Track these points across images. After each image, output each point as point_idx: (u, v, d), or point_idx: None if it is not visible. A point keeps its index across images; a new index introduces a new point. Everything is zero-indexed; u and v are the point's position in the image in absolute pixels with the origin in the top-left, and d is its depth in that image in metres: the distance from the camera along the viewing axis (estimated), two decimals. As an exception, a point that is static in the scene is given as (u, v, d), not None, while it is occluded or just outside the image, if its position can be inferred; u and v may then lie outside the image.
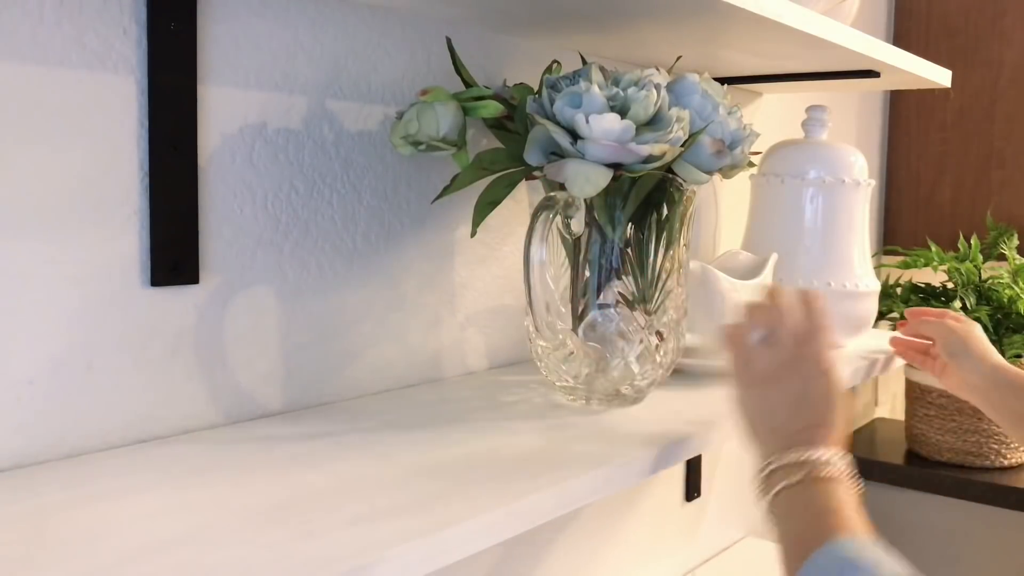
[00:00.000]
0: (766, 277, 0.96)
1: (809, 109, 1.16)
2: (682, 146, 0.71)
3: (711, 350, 0.95)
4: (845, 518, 0.60)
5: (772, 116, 1.38)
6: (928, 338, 1.00)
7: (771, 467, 0.64)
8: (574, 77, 0.72)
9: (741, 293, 0.91)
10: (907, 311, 1.05)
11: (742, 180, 1.17)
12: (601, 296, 0.76)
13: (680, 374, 0.95)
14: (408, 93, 0.82)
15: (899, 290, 1.55)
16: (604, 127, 0.67)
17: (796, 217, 1.12)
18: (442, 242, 0.87)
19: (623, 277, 0.76)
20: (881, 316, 1.43)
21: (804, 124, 1.16)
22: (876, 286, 1.15)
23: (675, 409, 0.79)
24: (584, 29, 0.86)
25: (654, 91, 0.69)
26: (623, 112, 0.68)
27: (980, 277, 1.50)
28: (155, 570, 0.45)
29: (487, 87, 0.79)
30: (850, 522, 0.59)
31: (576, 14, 0.80)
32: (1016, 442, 0.88)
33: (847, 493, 0.62)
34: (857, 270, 1.12)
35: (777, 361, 0.68)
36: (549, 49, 0.94)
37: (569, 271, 0.77)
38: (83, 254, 0.61)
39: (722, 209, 1.29)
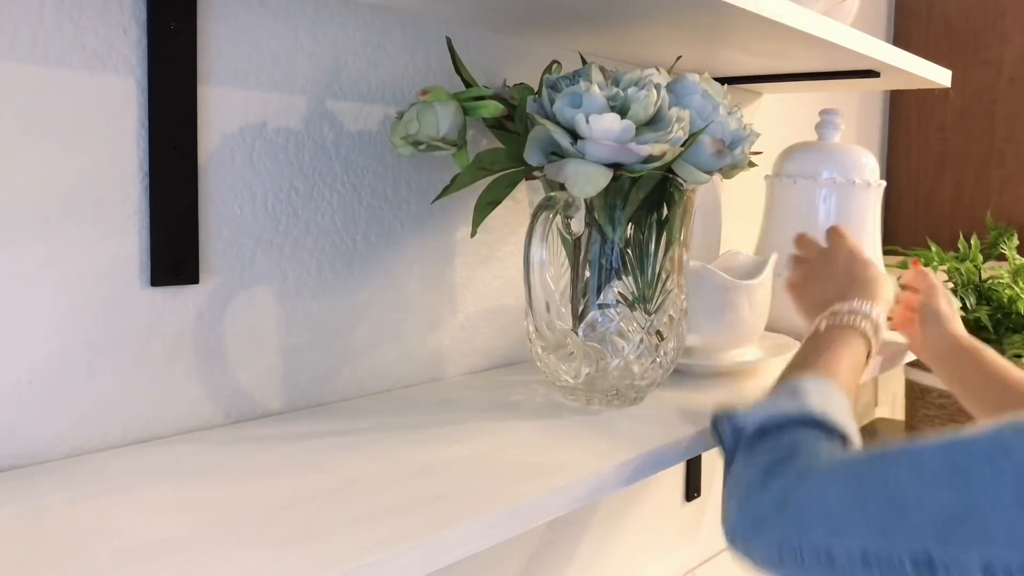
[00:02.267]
0: (766, 277, 0.96)
1: (823, 112, 1.17)
2: (682, 146, 0.71)
3: (711, 350, 0.96)
4: (834, 364, 0.70)
5: (772, 116, 1.38)
6: (918, 290, 1.02)
7: (824, 316, 0.77)
8: (574, 77, 0.72)
9: (739, 293, 0.91)
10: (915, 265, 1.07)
11: (754, 181, 1.18)
12: (601, 296, 0.76)
13: (680, 374, 0.95)
14: (408, 93, 0.82)
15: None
16: (604, 127, 0.67)
17: (810, 217, 1.13)
18: (442, 242, 0.87)
19: (623, 277, 0.76)
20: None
21: (817, 127, 1.18)
22: None
23: (675, 409, 0.79)
24: (584, 29, 0.86)
25: (654, 91, 0.69)
26: (623, 112, 0.68)
27: (980, 277, 1.50)
28: (155, 570, 0.45)
29: (487, 87, 0.79)
30: (834, 368, 0.69)
31: (576, 14, 0.80)
32: (970, 413, 0.90)
33: (855, 345, 0.73)
34: (868, 268, 1.14)
35: (827, 263, 0.86)
36: (549, 49, 0.94)
37: (569, 271, 0.77)
38: (83, 254, 0.61)
39: (728, 210, 1.29)
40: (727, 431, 0.64)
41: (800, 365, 0.71)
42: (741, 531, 0.57)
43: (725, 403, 0.66)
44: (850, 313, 0.76)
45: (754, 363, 0.96)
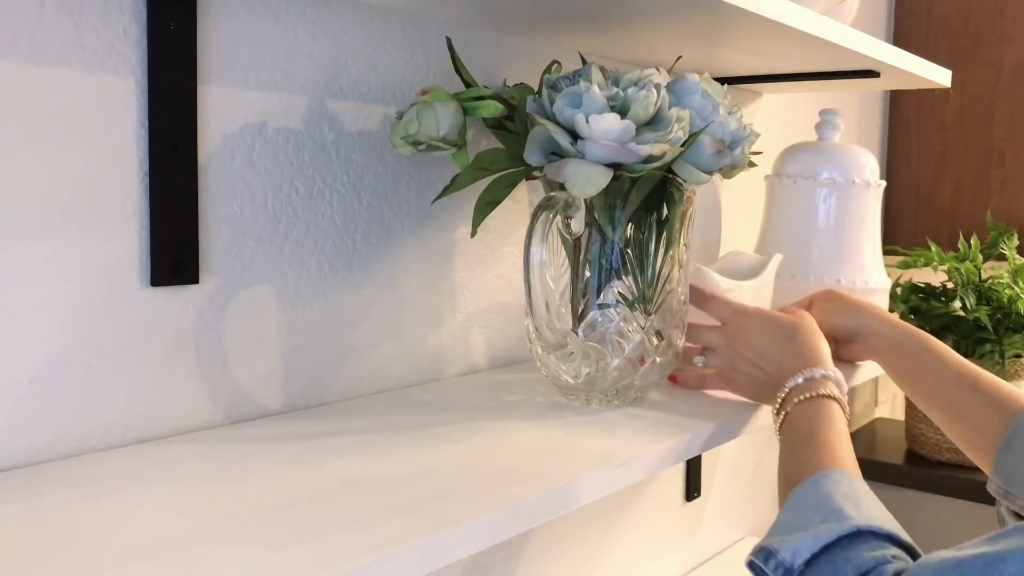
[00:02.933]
0: (767, 276, 0.96)
1: (823, 112, 1.17)
2: (682, 146, 0.71)
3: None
4: (829, 448, 0.66)
5: (772, 116, 1.38)
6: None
7: (781, 396, 0.73)
8: (574, 77, 0.72)
9: (738, 293, 0.91)
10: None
11: (754, 181, 1.18)
12: (601, 296, 0.76)
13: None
14: (408, 93, 0.82)
15: (899, 290, 1.55)
16: (604, 127, 0.67)
17: (810, 217, 1.14)
18: (442, 242, 0.87)
19: (623, 277, 0.76)
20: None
21: (817, 127, 1.18)
22: (886, 284, 1.16)
23: (675, 409, 0.79)
24: (584, 29, 0.86)
25: (654, 91, 0.69)
26: (623, 112, 0.68)
27: (980, 277, 1.50)
28: (155, 570, 0.45)
29: (487, 87, 0.79)
30: (832, 453, 0.65)
31: (576, 14, 0.80)
32: (916, 404, 0.86)
33: (835, 416, 0.70)
34: (868, 268, 1.14)
35: (742, 342, 0.80)
36: (549, 49, 0.94)
37: (569, 271, 0.77)
38: (83, 254, 0.61)
39: (728, 210, 1.29)
40: (775, 572, 0.58)
41: (798, 464, 0.66)
42: None
43: (757, 544, 0.61)
44: (809, 385, 0.71)
45: None
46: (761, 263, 1.01)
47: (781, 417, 0.73)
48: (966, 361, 0.84)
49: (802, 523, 0.59)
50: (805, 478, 0.63)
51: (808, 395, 0.71)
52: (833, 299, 0.94)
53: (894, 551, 0.56)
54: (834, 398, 0.71)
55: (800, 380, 0.73)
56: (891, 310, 1.50)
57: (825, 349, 0.78)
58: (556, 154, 0.71)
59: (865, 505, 0.59)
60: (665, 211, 0.76)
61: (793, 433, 0.70)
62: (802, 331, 0.78)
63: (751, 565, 0.60)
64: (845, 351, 0.93)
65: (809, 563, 0.56)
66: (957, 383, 0.82)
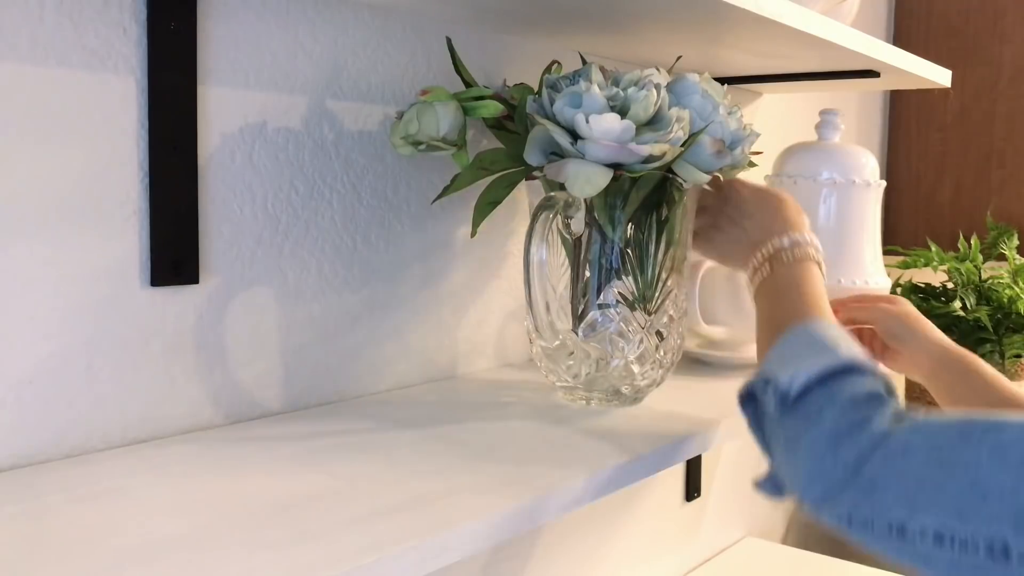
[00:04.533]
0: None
1: (823, 112, 1.17)
2: (682, 146, 0.71)
3: (734, 343, 0.97)
4: (815, 300, 0.71)
5: (772, 116, 1.38)
6: (864, 323, 0.98)
7: (766, 254, 0.75)
8: (574, 77, 0.72)
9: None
10: (835, 301, 0.98)
11: (754, 181, 1.18)
12: (601, 296, 0.76)
13: (702, 365, 0.97)
14: (408, 93, 0.82)
15: (899, 290, 1.55)
16: (604, 127, 0.67)
17: (810, 217, 1.12)
18: (442, 242, 0.87)
19: (623, 277, 0.76)
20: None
21: (817, 127, 1.17)
22: (887, 283, 1.16)
23: (675, 409, 0.79)
24: (584, 29, 0.86)
25: (654, 91, 0.69)
26: (623, 112, 0.68)
27: (980, 277, 1.50)
28: (155, 570, 0.45)
29: (487, 87, 0.79)
30: (818, 305, 0.70)
31: (576, 14, 0.80)
32: None
33: (817, 276, 0.74)
34: (868, 268, 1.14)
35: (736, 204, 0.82)
36: (549, 49, 0.94)
37: (569, 271, 0.77)
38: (83, 254, 0.61)
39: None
40: (771, 396, 0.61)
41: (786, 312, 0.70)
42: (811, 499, 0.57)
43: (749, 379, 0.66)
44: (794, 246, 0.75)
45: None
46: None
47: (762, 274, 0.76)
48: (1011, 384, 0.83)
49: (795, 357, 0.63)
50: (793, 324, 0.67)
51: (794, 254, 0.75)
52: (891, 302, 0.94)
53: (885, 387, 0.60)
54: (816, 262, 0.76)
55: (787, 241, 0.75)
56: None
57: (806, 222, 0.81)
58: (556, 154, 0.71)
59: (855, 349, 0.63)
60: (665, 211, 0.76)
61: (780, 286, 0.74)
62: (789, 202, 0.81)
63: (747, 395, 0.65)
64: (889, 359, 0.91)
65: (805, 389, 0.60)
66: (1007, 406, 0.81)
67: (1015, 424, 0.52)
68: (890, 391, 0.60)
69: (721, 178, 0.83)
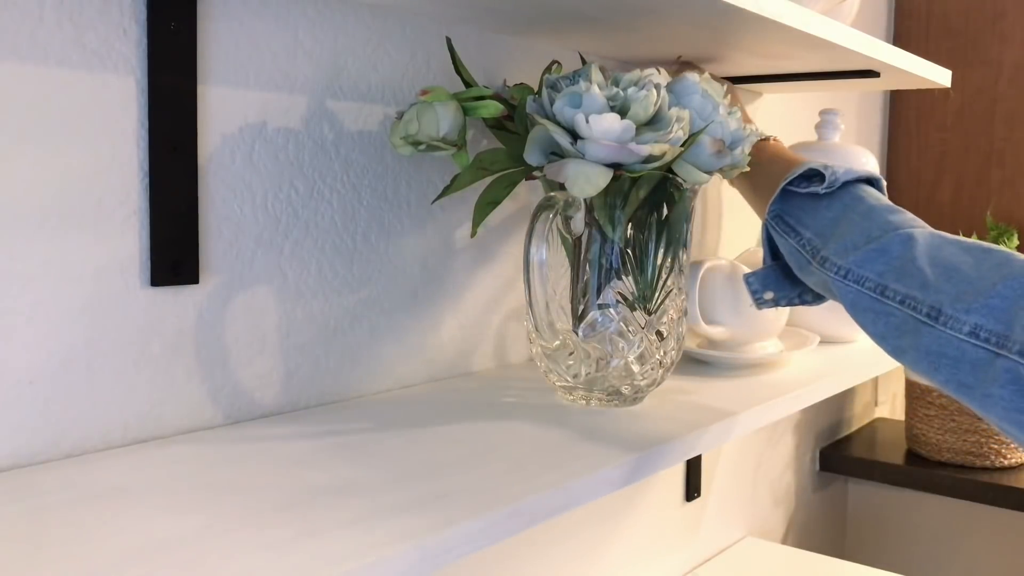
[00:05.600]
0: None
1: (823, 112, 1.17)
2: (682, 146, 0.71)
3: (736, 343, 0.97)
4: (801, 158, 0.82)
5: (772, 116, 1.38)
6: None
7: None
8: (574, 77, 0.72)
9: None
10: None
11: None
12: (601, 296, 0.76)
13: (702, 365, 0.97)
14: (408, 93, 0.82)
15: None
16: (604, 127, 0.67)
17: None
18: (442, 242, 0.87)
19: (623, 277, 0.76)
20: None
21: (817, 127, 1.17)
22: None
23: (675, 409, 0.79)
24: (584, 29, 0.86)
25: (654, 91, 0.69)
26: (623, 112, 0.68)
27: (980, 277, 1.50)
28: (155, 570, 0.45)
29: (487, 87, 0.79)
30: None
31: (577, 14, 0.80)
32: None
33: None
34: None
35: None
36: (549, 49, 0.94)
37: (569, 271, 0.77)
38: (83, 254, 0.61)
39: (728, 210, 1.29)
40: (829, 177, 0.76)
41: (779, 167, 0.82)
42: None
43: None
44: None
45: (777, 355, 0.98)
46: None
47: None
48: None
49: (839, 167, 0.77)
50: (790, 170, 0.78)
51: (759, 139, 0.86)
52: None
53: None
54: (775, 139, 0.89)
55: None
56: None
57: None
58: (556, 154, 0.71)
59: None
60: (665, 211, 0.76)
61: (762, 159, 0.84)
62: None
63: (808, 171, 0.78)
64: None
65: (845, 183, 0.76)
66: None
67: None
68: None
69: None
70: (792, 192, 0.78)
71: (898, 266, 0.68)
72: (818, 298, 0.80)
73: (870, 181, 0.78)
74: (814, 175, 0.77)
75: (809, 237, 0.75)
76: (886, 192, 0.79)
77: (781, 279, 0.81)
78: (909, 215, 0.73)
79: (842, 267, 0.71)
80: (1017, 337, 0.60)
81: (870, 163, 1.15)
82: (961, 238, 0.69)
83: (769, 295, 0.81)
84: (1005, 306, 0.61)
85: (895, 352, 0.69)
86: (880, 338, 0.70)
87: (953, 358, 0.63)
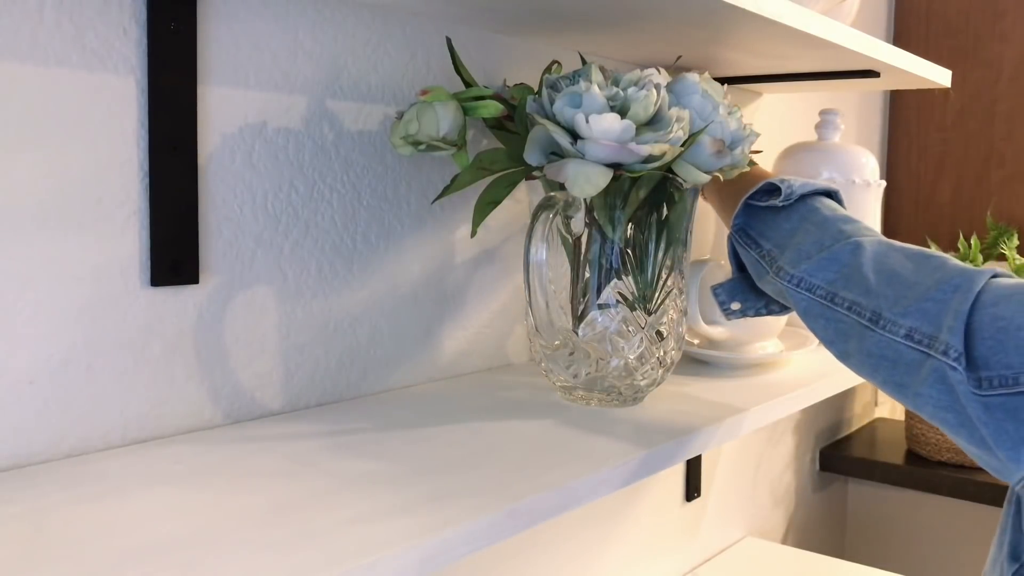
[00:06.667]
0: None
1: (823, 112, 1.17)
2: (682, 146, 0.71)
3: (735, 343, 0.97)
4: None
5: (772, 116, 1.38)
6: None
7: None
8: (574, 77, 0.72)
9: None
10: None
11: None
12: (601, 296, 0.76)
13: (702, 365, 0.97)
14: (408, 93, 0.82)
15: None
16: (604, 127, 0.67)
17: None
18: (442, 242, 0.87)
19: (623, 277, 0.76)
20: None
21: (817, 127, 1.17)
22: None
23: (675, 409, 0.79)
24: (584, 29, 0.86)
25: (654, 91, 0.69)
26: (623, 112, 0.68)
27: (980, 277, 1.50)
28: (155, 570, 0.45)
29: (487, 87, 0.79)
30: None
31: (576, 14, 0.80)
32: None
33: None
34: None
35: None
36: (549, 49, 0.94)
37: (569, 271, 0.77)
38: (83, 254, 0.61)
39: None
40: (786, 190, 0.77)
41: (750, 182, 0.83)
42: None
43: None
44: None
45: (777, 355, 0.98)
46: None
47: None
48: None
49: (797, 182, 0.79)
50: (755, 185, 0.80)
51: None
52: None
53: None
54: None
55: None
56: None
57: None
58: (556, 154, 0.71)
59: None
60: (665, 211, 0.76)
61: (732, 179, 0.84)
62: None
63: (765, 187, 0.79)
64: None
65: (803, 196, 0.78)
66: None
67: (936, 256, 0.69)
68: None
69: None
70: (754, 206, 0.80)
71: (846, 274, 0.70)
72: (784, 308, 0.82)
73: (828, 194, 0.80)
74: (773, 189, 0.79)
75: (768, 248, 0.77)
76: (844, 204, 0.81)
77: (747, 290, 0.82)
78: (862, 224, 0.75)
79: (795, 276, 0.73)
80: (943, 338, 0.62)
81: (870, 163, 1.15)
82: (907, 245, 0.71)
83: (736, 305, 0.83)
84: (937, 309, 0.63)
85: (841, 356, 0.71)
86: (829, 343, 0.72)
87: (892, 360, 0.65)
